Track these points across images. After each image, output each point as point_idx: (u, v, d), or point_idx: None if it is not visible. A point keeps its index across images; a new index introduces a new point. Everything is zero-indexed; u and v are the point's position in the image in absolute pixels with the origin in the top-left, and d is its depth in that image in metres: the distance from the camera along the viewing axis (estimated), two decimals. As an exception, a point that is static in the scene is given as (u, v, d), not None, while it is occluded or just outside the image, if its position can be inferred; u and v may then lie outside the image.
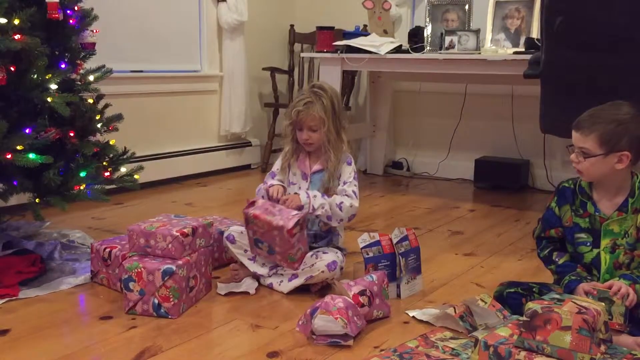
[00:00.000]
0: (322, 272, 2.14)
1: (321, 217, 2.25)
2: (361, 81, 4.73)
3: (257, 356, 1.73)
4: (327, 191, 2.29)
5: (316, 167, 2.33)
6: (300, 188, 2.32)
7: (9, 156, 2.09)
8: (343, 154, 2.32)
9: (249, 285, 2.20)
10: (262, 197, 2.28)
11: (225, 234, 2.31)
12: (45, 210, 2.39)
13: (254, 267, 2.25)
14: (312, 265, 2.16)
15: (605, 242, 1.87)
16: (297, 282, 2.17)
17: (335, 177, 2.31)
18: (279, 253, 2.15)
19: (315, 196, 2.21)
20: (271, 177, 2.38)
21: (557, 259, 1.96)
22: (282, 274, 2.21)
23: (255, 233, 2.16)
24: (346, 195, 2.27)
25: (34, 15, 2.17)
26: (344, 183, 2.31)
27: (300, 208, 2.17)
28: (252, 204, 2.17)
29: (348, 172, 2.32)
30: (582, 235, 1.90)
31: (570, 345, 1.45)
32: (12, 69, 2.15)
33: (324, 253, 2.20)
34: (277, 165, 2.40)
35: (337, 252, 2.24)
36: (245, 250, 2.27)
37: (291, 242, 2.09)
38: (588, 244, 1.89)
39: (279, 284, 2.20)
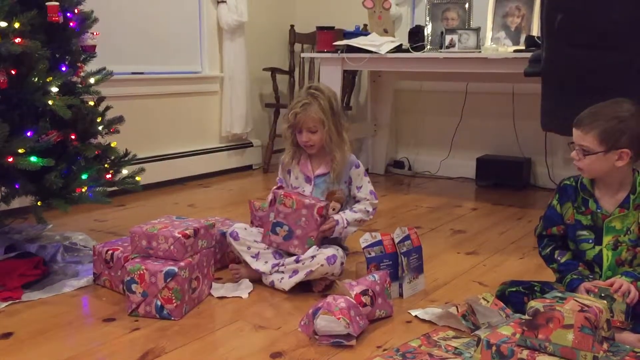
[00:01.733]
0: (322, 265, 2.14)
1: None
2: (362, 81, 4.73)
3: (261, 357, 1.73)
4: (331, 194, 2.30)
5: (320, 170, 2.33)
6: (304, 191, 2.32)
7: (10, 159, 2.10)
8: (348, 156, 2.32)
9: (242, 290, 2.20)
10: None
11: (229, 231, 2.31)
12: (48, 213, 2.39)
13: (256, 264, 2.25)
14: (312, 258, 2.16)
15: (607, 239, 1.87)
16: (297, 278, 2.17)
17: (341, 180, 2.31)
18: (298, 237, 2.19)
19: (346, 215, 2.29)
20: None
21: (558, 258, 1.96)
22: (283, 272, 2.21)
23: (278, 215, 2.21)
24: (366, 200, 2.34)
25: (35, 18, 2.17)
26: (359, 188, 2.34)
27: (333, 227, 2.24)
28: (280, 188, 2.27)
29: (360, 177, 2.35)
30: (584, 232, 1.90)
31: (572, 344, 1.46)
32: (13, 72, 2.15)
33: (324, 248, 2.21)
34: (280, 173, 2.45)
35: (338, 249, 2.24)
36: (249, 247, 2.26)
37: (318, 221, 2.17)
38: (590, 241, 1.89)
39: (280, 281, 2.20)
